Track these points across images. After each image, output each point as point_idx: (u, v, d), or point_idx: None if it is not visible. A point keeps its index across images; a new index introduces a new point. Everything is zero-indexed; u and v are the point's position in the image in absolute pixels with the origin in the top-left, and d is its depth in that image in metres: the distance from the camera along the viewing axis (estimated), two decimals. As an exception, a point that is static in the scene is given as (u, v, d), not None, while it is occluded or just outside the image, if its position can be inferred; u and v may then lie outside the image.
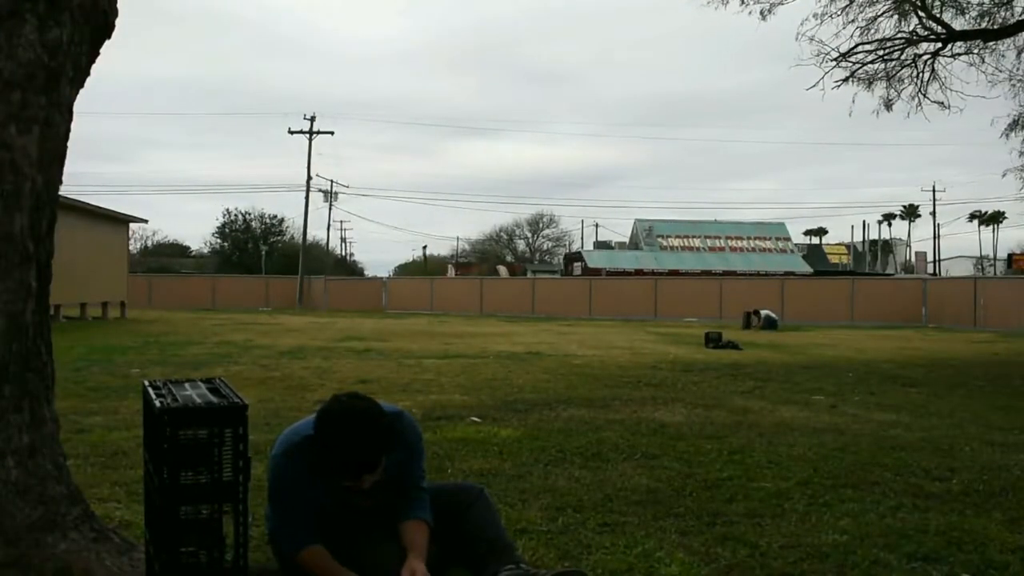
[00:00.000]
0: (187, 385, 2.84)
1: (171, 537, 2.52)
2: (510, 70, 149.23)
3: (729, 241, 57.89)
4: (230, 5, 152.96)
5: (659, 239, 57.46)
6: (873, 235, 79.37)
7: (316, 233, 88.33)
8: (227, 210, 68.01)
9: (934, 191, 70.50)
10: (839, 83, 15.96)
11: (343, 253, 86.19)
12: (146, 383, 2.89)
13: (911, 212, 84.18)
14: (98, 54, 3.24)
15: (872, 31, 15.55)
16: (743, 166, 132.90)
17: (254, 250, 63.93)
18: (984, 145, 72.92)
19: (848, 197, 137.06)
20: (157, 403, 2.59)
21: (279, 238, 67.27)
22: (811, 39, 15.66)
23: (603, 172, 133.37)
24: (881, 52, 15.72)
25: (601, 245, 67.65)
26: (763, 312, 27.16)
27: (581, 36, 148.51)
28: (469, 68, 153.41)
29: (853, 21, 15.43)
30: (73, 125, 3.17)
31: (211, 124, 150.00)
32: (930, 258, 67.42)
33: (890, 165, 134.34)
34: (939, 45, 15.63)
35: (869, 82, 16.04)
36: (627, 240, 63.37)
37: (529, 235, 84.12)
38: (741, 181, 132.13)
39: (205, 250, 72.16)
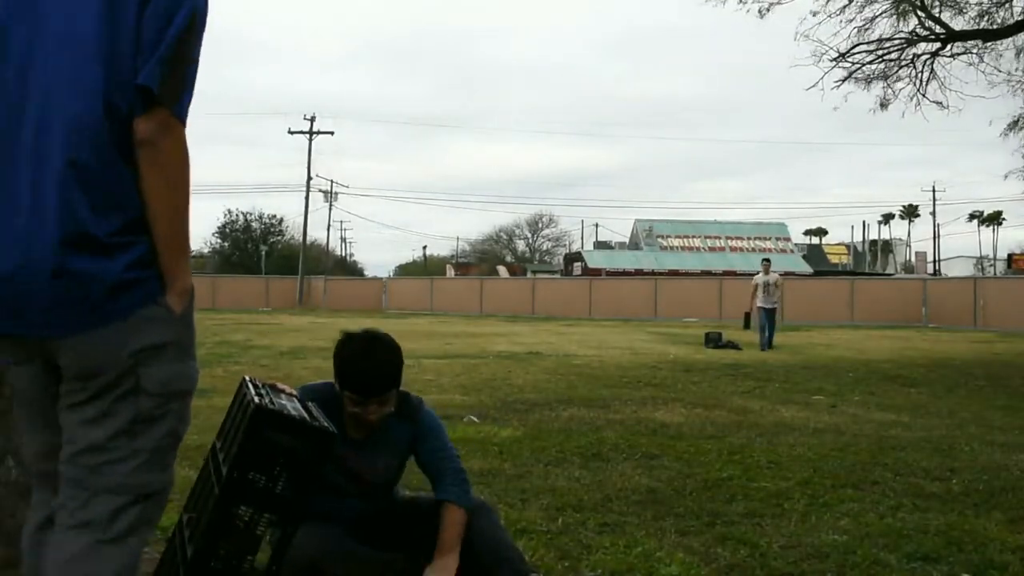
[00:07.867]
0: (283, 396, 2.83)
1: (214, 533, 2.52)
2: (462, 70, 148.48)
3: (729, 241, 57.88)
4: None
5: (659, 239, 57.46)
6: (873, 235, 79.49)
7: (316, 234, 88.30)
8: (227, 210, 68.12)
9: (934, 191, 70.58)
10: (838, 83, 15.98)
11: (343, 253, 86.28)
12: (247, 378, 2.90)
13: (910, 212, 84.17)
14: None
15: (870, 31, 15.58)
16: (738, 166, 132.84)
17: (254, 250, 63.92)
18: (983, 145, 73.00)
19: (846, 197, 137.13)
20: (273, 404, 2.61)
21: (279, 238, 67.24)
22: (806, 36, 15.66)
23: (602, 172, 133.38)
24: (880, 52, 15.74)
25: (601, 245, 67.64)
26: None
27: (573, 36, 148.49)
28: (433, 68, 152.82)
29: (851, 21, 15.45)
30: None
31: (210, 125, 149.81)
32: (930, 258, 67.41)
33: (890, 165, 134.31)
34: (938, 45, 15.64)
35: (868, 82, 16.06)
36: (627, 240, 63.37)
37: (529, 235, 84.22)
38: (736, 181, 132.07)
39: (205, 250, 72.15)
